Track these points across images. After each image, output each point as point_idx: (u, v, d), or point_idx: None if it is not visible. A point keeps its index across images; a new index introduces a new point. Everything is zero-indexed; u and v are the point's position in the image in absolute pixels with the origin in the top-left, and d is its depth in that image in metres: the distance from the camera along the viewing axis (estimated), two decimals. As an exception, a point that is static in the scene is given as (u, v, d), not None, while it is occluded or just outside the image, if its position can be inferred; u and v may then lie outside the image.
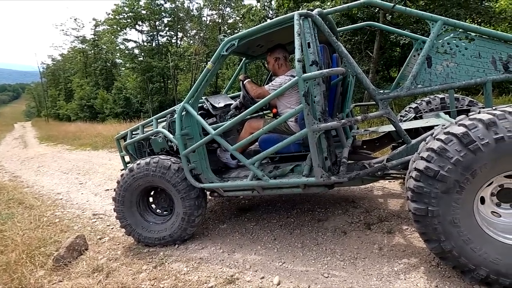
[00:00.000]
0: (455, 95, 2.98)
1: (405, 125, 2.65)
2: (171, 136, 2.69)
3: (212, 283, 2.12)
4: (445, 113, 2.88)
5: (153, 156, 2.73)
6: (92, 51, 29.46)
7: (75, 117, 29.51)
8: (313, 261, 2.24)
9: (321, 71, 1.97)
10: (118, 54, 26.48)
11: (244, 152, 2.84)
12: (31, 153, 10.62)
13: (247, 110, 2.29)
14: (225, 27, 21.44)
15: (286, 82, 2.32)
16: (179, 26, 23.78)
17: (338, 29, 2.96)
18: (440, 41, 2.13)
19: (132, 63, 22.63)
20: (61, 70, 37.60)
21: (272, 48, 2.74)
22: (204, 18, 22.56)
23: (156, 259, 2.56)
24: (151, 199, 2.99)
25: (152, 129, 2.96)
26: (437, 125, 1.94)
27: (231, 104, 3.10)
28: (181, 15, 23.47)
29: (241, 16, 13.29)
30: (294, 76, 2.42)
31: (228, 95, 3.55)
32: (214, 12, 21.35)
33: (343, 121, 2.05)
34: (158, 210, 2.97)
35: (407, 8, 2.31)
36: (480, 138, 1.54)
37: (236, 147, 2.40)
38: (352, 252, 2.28)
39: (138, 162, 2.72)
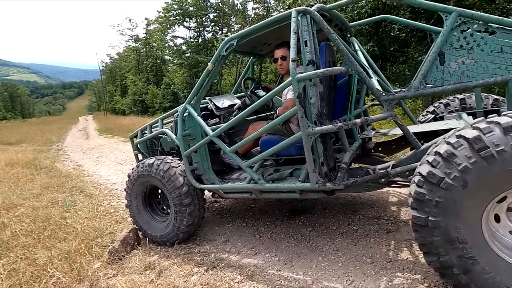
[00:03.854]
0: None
1: (419, 128, 2.37)
2: (174, 136, 2.72)
3: (270, 297, 1.90)
4: (470, 114, 2.50)
5: (159, 157, 2.74)
6: (144, 49, 31.33)
7: (129, 111, 31.81)
8: (390, 284, 1.89)
9: (315, 71, 1.82)
10: (167, 51, 27.77)
11: (248, 153, 2.80)
12: (92, 144, 11.58)
13: (244, 111, 2.20)
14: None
15: None
16: (224, 21, 24.06)
17: (352, 23, 2.81)
18: (454, 34, 1.86)
19: (179, 59, 23.53)
20: (118, 68, 40.81)
21: (277, 46, 2.50)
22: (248, 12, 22.49)
23: (207, 261, 2.42)
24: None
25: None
26: (455, 128, 1.68)
27: (236, 104, 2.96)
28: (226, 10, 23.69)
29: (286, 7, 12.88)
30: None
31: (236, 95, 3.42)
32: (259, 5, 21.12)
33: (339, 124, 1.87)
34: (162, 209, 2.98)
35: (418, 0, 2.02)
36: (494, 144, 1.37)
37: (234, 148, 2.32)
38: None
39: (143, 161, 2.78)
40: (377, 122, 4.70)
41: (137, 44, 32.28)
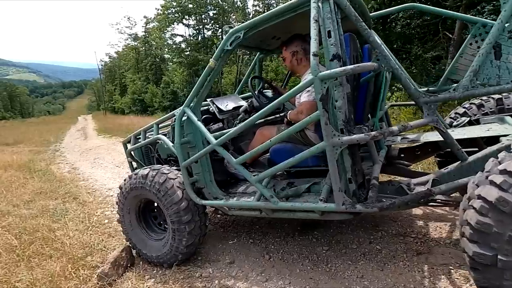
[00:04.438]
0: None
1: (457, 134, 2.03)
2: (170, 144, 2.36)
3: None
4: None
5: (155, 167, 2.39)
6: (143, 48, 30.96)
7: (128, 111, 31.49)
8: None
9: (343, 68, 1.49)
10: (167, 49, 27.41)
11: (255, 162, 2.52)
12: (89, 145, 11.26)
13: (255, 115, 1.81)
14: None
15: None
16: (224, 19, 23.69)
17: (374, 14, 2.49)
18: None
19: (179, 58, 23.19)
20: (117, 67, 40.45)
21: (287, 40, 2.19)
22: (248, 10, 22.12)
23: (210, 288, 2.11)
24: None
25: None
26: (505, 135, 1.43)
27: (242, 106, 2.62)
28: (226, 7, 23.31)
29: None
30: None
31: (241, 96, 3.07)
32: (259, 2, 20.74)
33: (373, 134, 1.52)
34: (159, 224, 2.65)
35: None
36: None
37: (241, 160, 1.96)
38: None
39: (137, 171, 2.45)
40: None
41: (136, 43, 31.92)
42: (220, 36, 24.54)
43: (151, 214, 2.65)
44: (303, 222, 2.87)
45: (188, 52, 23.09)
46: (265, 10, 20.54)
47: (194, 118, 2.10)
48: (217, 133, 2.14)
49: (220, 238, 2.82)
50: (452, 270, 1.91)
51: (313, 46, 1.52)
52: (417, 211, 2.76)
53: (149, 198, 2.42)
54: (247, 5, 22.84)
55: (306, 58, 2.18)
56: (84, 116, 40.37)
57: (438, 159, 2.76)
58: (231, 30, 1.92)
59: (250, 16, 20.97)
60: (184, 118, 2.22)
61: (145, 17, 29.63)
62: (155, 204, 2.61)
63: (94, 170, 6.84)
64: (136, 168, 3.18)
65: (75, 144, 12.17)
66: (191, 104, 2.18)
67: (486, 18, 6.54)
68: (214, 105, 2.50)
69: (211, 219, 3.23)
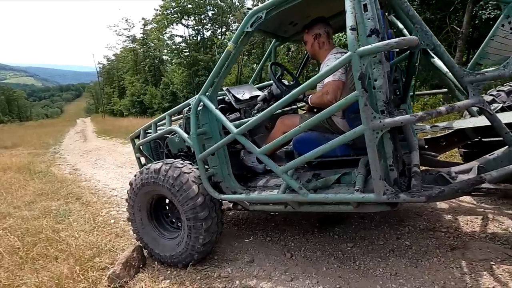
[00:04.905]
0: None
1: (502, 118, 1.85)
2: (185, 135, 2.23)
3: None
4: None
5: (167, 161, 2.23)
6: (142, 50, 30.83)
7: (127, 113, 31.30)
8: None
9: (387, 41, 1.34)
10: (165, 51, 27.32)
11: (273, 154, 2.36)
12: (89, 146, 11.09)
13: (277, 103, 1.68)
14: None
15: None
16: (223, 19, 23.63)
17: None
18: None
19: (178, 58, 23.08)
20: (115, 69, 40.29)
21: (310, 23, 2.06)
22: (245, 10, 22.08)
23: (231, 290, 1.96)
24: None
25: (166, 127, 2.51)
26: None
27: (258, 96, 2.48)
28: (225, 7, 23.25)
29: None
30: (344, 54, 1.89)
31: (255, 86, 2.94)
32: (258, 2, 20.67)
33: (420, 114, 1.37)
34: (171, 222, 2.50)
35: None
36: None
37: (264, 150, 1.82)
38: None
39: (148, 166, 2.30)
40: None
41: (134, 45, 31.78)
42: (220, 36, 24.46)
43: (163, 211, 2.50)
44: (321, 218, 2.73)
45: (187, 53, 22.99)
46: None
47: (212, 107, 1.96)
48: (236, 122, 2.00)
49: (235, 236, 2.67)
50: (494, 266, 1.77)
51: (350, 20, 1.39)
52: (443, 204, 2.63)
53: (162, 194, 2.27)
54: (246, 5, 22.73)
55: (329, 42, 2.06)
56: (83, 119, 40.11)
57: (464, 150, 2.64)
58: (252, 10, 1.78)
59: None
60: (199, 107, 2.08)
61: (143, 18, 29.36)
62: (167, 201, 2.47)
63: (96, 171, 6.68)
64: (144, 164, 3.04)
65: (74, 146, 11.99)
66: (207, 93, 2.04)
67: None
68: (231, 94, 2.36)
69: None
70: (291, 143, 2.13)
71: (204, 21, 23.61)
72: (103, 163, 7.46)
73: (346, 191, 1.64)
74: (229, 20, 24.41)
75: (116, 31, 31.88)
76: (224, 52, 1.91)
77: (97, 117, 39.12)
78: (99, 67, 43.97)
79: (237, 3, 23.44)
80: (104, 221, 3.50)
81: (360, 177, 1.61)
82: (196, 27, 23.86)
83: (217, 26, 24.39)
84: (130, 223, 2.48)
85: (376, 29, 1.39)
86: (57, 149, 11.49)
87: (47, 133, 19.49)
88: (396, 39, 1.31)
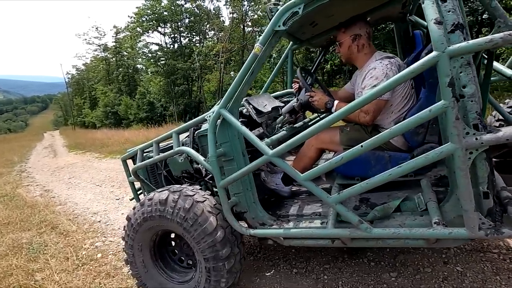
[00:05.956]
0: None
1: None
2: (201, 158, 1.81)
3: None
4: None
5: (174, 189, 1.84)
6: (114, 58, 29.60)
7: (100, 124, 29.79)
8: None
9: (489, 37, 1.04)
10: (140, 59, 26.40)
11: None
12: (61, 163, 10.17)
13: (330, 117, 1.33)
14: (248, 23, 20.53)
15: (389, 71, 1.56)
16: (200, 27, 23.29)
17: None
18: None
19: (155, 67, 22.35)
20: (85, 79, 38.47)
21: (347, 21, 1.78)
22: (222, 18, 21.94)
23: None
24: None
25: (172, 146, 2.08)
26: None
27: (279, 106, 2.17)
28: (202, 14, 22.95)
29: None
30: (391, 59, 1.64)
31: (272, 95, 2.61)
32: (235, 10, 20.55)
33: None
34: (179, 260, 2.10)
35: None
36: None
37: (310, 175, 1.44)
38: None
39: (150, 196, 1.88)
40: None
41: (106, 54, 30.42)
42: (199, 43, 23.97)
43: (169, 248, 2.08)
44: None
45: (164, 61, 22.31)
46: (243, 17, 20.38)
47: (237, 123, 1.59)
48: (267, 140, 1.65)
49: (253, 269, 2.30)
50: None
51: (432, 12, 1.11)
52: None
53: (170, 230, 1.86)
54: (222, 14, 22.58)
55: (369, 45, 1.78)
56: (51, 132, 37.64)
57: (495, 159, 2.46)
58: (285, 5, 1.46)
59: (228, 22, 20.75)
60: (218, 123, 1.71)
61: (115, 26, 28.11)
62: (172, 235, 2.06)
63: (71, 191, 5.99)
64: (139, 189, 2.59)
65: (43, 163, 10.96)
66: (228, 106, 1.68)
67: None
68: (251, 106, 1.99)
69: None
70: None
71: (181, 28, 23.13)
72: (79, 182, 6.75)
73: (418, 224, 1.34)
74: (205, 28, 24.12)
75: (86, 39, 30.37)
76: (250, 56, 1.57)
77: (66, 129, 36.94)
78: (68, 78, 41.75)
79: (213, 11, 23.26)
80: (89, 256, 2.98)
81: (433, 204, 1.33)
82: (173, 35, 23.32)
83: (194, 33, 23.98)
84: (129, 266, 2.03)
85: (460, 23, 1.12)
86: (23, 167, 10.42)
87: (11, 149, 17.88)
88: (501, 34, 1.05)
